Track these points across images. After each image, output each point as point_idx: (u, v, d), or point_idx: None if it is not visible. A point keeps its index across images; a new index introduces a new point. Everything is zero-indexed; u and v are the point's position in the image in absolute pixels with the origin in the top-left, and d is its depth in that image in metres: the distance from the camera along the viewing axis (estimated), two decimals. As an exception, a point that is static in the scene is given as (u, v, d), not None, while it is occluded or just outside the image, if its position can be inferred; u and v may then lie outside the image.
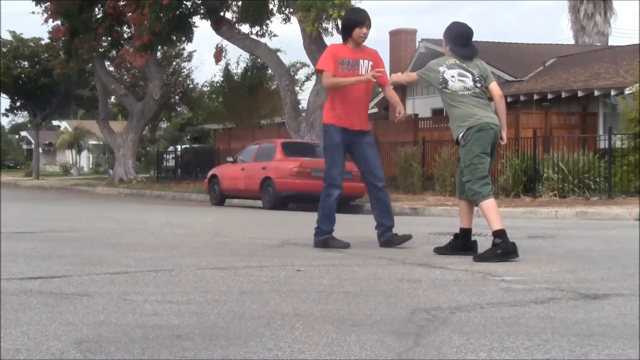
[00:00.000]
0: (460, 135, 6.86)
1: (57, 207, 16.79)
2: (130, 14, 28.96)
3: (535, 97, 25.02)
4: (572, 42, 42.00)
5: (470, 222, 7.04)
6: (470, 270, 5.87)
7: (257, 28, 27.80)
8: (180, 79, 42.03)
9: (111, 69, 37.26)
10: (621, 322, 3.92)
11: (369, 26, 7.73)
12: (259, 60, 32.98)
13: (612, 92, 22.90)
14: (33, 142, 54.13)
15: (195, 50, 76.44)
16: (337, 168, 7.72)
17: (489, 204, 6.65)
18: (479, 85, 6.97)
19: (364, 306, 4.30)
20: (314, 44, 23.67)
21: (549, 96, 24.60)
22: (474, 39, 7.20)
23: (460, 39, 7.12)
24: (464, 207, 7.04)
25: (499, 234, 6.53)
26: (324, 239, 7.61)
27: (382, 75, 7.62)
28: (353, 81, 7.57)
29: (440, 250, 7.07)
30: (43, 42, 39.90)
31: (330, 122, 7.72)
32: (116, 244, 7.75)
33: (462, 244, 6.99)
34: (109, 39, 32.13)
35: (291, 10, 25.75)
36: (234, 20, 27.90)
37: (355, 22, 7.69)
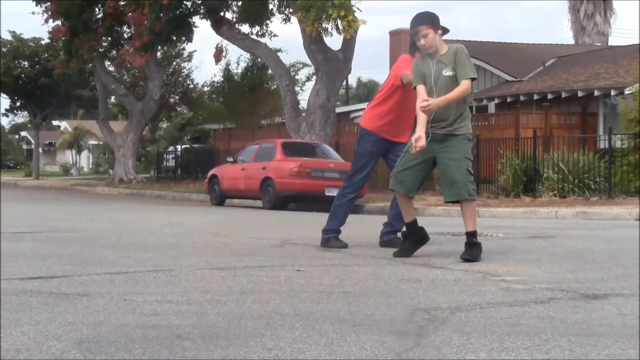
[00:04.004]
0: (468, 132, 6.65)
1: (57, 207, 16.79)
2: (130, 14, 28.96)
3: (535, 97, 25.04)
4: (572, 42, 42.05)
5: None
6: (470, 270, 5.86)
7: (257, 28, 27.83)
8: (180, 79, 42.00)
9: (111, 69, 37.22)
10: (621, 322, 3.92)
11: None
12: (259, 60, 32.98)
13: (612, 92, 22.91)
14: (33, 142, 54.09)
15: (195, 50, 76.43)
16: (361, 175, 7.78)
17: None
18: None
19: (364, 306, 4.30)
20: (314, 44, 23.67)
21: (549, 96, 24.61)
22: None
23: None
24: (464, 210, 6.87)
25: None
26: (327, 237, 7.66)
27: None
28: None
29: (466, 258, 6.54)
30: (43, 42, 39.89)
31: (372, 129, 7.67)
32: (116, 244, 7.75)
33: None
34: (109, 39, 32.12)
35: (291, 10, 25.74)
36: (234, 20, 27.89)
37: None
